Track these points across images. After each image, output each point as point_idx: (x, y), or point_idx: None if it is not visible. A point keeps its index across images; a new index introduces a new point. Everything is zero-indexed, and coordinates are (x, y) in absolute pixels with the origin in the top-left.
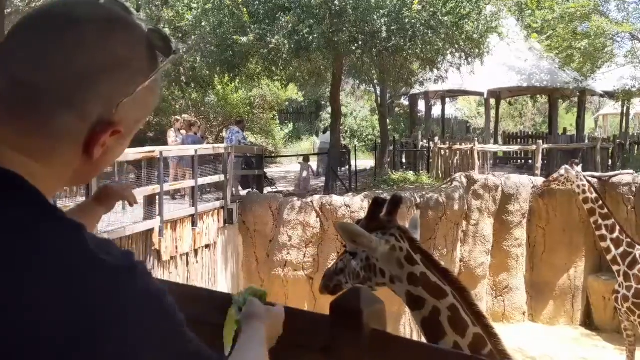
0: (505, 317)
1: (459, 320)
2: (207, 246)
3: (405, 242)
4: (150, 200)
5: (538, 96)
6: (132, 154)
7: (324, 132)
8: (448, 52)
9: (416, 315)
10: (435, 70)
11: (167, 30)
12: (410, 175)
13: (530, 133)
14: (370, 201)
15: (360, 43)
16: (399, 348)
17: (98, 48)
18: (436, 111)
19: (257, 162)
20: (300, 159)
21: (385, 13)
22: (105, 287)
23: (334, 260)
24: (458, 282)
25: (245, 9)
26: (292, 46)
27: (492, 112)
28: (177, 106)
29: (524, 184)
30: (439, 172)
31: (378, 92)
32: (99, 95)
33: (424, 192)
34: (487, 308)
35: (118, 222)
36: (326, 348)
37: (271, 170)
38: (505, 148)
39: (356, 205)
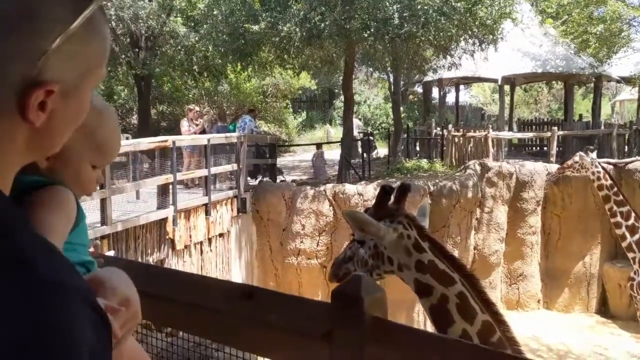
0: (520, 304)
1: (468, 307)
2: (220, 235)
3: (413, 229)
4: (163, 190)
5: (553, 82)
6: (145, 143)
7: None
8: (461, 38)
9: (424, 302)
10: (449, 57)
11: (179, 20)
12: (424, 163)
13: (545, 120)
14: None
15: (372, 30)
16: (400, 335)
17: None
18: (450, 98)
19: (269, 151)
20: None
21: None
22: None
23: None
24: (466, 269)
25: None
26: (304, 34)
27: (507, 99)
28: (190, 95)
29: (538, 171)
30: (453, 159)
31: (391, 80)
32: (9, 53)
33: (437, 180)
34: (501, 296)
35: (132, 212)
36: (328, 335)
37: (284, 159)
38: (520, 135)
39: (369, 193)
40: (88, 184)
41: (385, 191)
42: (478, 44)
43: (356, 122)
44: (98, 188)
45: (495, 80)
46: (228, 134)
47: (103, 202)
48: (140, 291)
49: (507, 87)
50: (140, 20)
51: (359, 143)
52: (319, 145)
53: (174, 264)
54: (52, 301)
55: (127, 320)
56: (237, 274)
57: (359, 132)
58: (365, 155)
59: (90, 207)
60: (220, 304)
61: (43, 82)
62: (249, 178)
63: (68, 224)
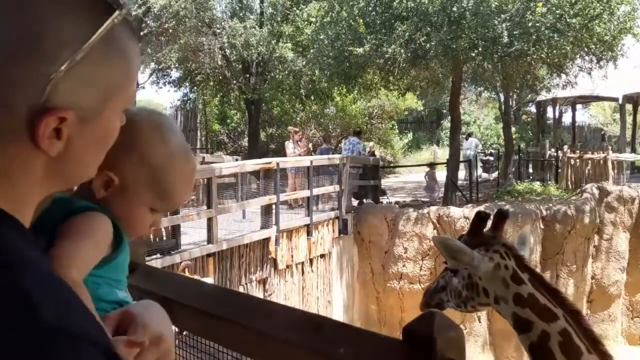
0: None
1: (572, 346)
2: (322, 256)
3: (512, 259)
4: (267, 210)
5: None
6: (250, 165)
7: (467, 139)
8: (577, 55)
9: (524, 339)
10: (564, 75)
11: (288, 45)
12: (537, 186)
13: None
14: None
15: (480, 49)
16: None
17: None
18: (567, 119)
19: (372, 173)
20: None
21: (507, 17)
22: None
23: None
24: (571, 304)
25: (361, 20)
26: (409, 55)
27: (629, 119)
28: (298, 118)
29: None
30: (569, 183)
31: (502, 99)
32: (12, 80)
33: (550, 204)
34: (622, 329)
35: (237, 231)
36: None
37: (389, 181)
38: None
39: None
40: (140, 228)
41: (480, 217)
42: (596, 61)
43: (475, 141)
44: (205, 207)
45: (615, 99)
46: (331, 156)
47: (210, 221)
48: (208, 313)
49: (629, 106)
50: (252, 47)
51: (479, 163)
52: (431, 165)
53: (275, 283)
54: (54, 351)
55: (157, 359)
56: (338, 296)
57: (478, 152)
58: (482, 175)
59: (197, 226)
60: (288, 333)
61: (52, 109)
62: (353, 199)
63: (96, 253)
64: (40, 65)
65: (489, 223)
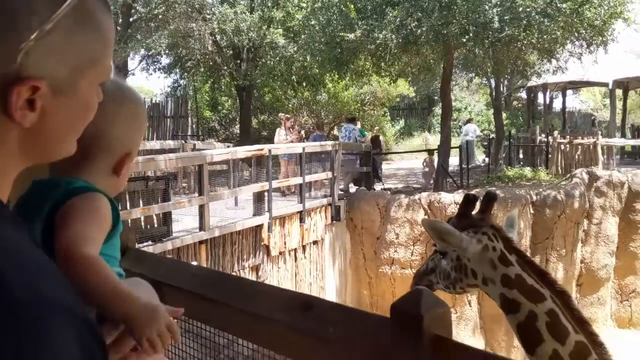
0: (632, 323)
1: (559, 326)
2: (314, 242)
3: (499, 241)
4: (259, 197)
5: None
6: (242, 152)
7: (465, 124)
8: (567, 40)
9: (511, 319)
10: (554, 61)
11: (279, 31)
12: (527, 171)
13: None
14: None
15: (471, 35)
16: (463, 357)
17: None
18: (557, 104)
19: (364, 160)
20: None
21: (498, 2)
22: None
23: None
24: (558, 285)
25: (352, 6)
26: (400, 40)
27: (619, 104)
28: (290, 105)
29: None
30: (559, 168)
31: (492, 85)
32: None
33: (540, 189)
34: (611, 313)
35: (230, 218)
36: (386, 354)
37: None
38: (633, 142)
39: None
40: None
41: (468, 200)
42: (586, 46)
43: (474, 126)
44: (196, 194)
45: (605, 84)
46: (323, 142)
47: (201, 208)
48: (199, 296)
49: (619, 92)
50: (242, 33)
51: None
52: (430, 152)
53: (268, 269)
54: (29, 322)
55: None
56: (330, 282)
57: (476, 137)
58: (486, 160)
59: (189, 213)
60: (279, 314)
61: (24, 79)
62: (353, 186)
63: (103, 231)
64: (10, 35)
65: (478, 206)
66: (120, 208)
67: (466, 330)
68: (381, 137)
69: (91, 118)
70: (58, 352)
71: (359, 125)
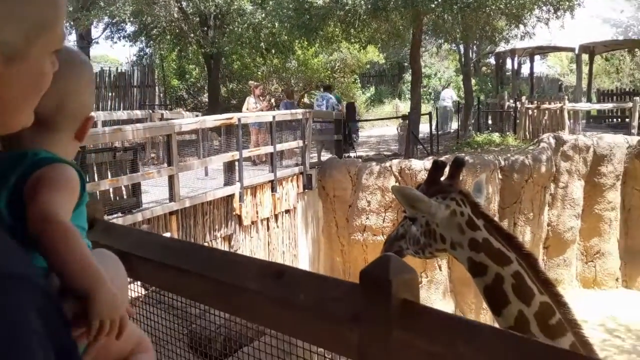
0: (597, 283)
1: (524, 288)
2: (287, 211)
3: (467, 206)
4: (230, 167)
5: (636, 50)
6: (210, 121)
7: (443, 89)
8: (535, 5)
9: (478, 282)
10: (522, 26)
11: None
12: (496, 137)
13: (627, 90)
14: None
15: (440, 0)
16: (428, 319)
17: None
18: (525, 70)
19: (335, 128)
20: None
21: None
22: None
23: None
24: (524, 248)
25: None
26: (369, 7)
27: (586, 69)
28: (259, 73)
29: (618, 144)
30: (527, 133)
31: (462, 52)
32: None
33: (509, 155)
34: (577, 273)
35: (200, 188)
36: (356, 317)
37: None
38: (598, 106)
39: None
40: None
41: (437, 166)
42: (553, 11)
43: (451, 92)
44: (165, 165)
45: (572, 49)
46: (294, 110)
47: (171, 179)
48: (174, 267)
49: (585, 56)
50: None
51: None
52: (404, 117)
53: (241, 239)
54: None
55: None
56: (303, 250)
57: (453, 102)
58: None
59: (158, 184)
60: (250, 282)
61: None
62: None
63: (72, 200)
64: None
65: (447, 172)
66: (87, 180)
67: (437, 293)
68: (356, 104)
69: (46, 87)
70: (12, 320)
71: (335, 93)
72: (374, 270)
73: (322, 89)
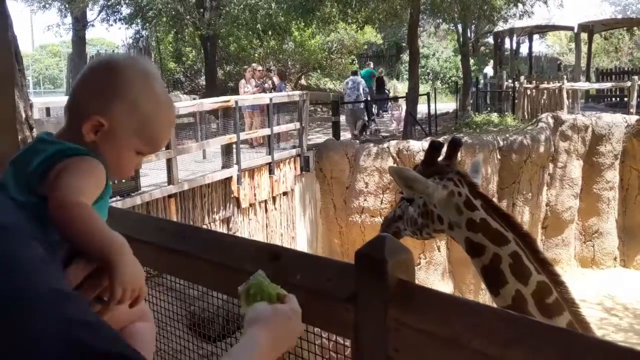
0: (595, 262)
1: (522, 267)
2: (285, 193)
3: (465, 186)
4: (228, 150)
5: (635, 28)
6: (208, 104)
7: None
8: None
9: (476, 263)
10: (520, 5)
11: None
12: (494, 117)
13: (626, 69)
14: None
15: None
16: (423, 298)
17: None
18: (524, 49)
19: (333, 109)
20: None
21: None
22: None
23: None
24: (521, 228)
25: None
26: None
27: (585, 48)
28: (256, 55)
29: (616, 123)
30: (525, 113)
31: (460, 31)
32: None
33: (507, 135)
34: (575, 253)
35: (198, 171)
36: (352, 297)
37: None
38: (597, 85)
39: None
40: (126, 170)
41: (434, 146)
42: None
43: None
44: (164, 148)
45: (571, 28)
46: (291, 92)
47: (169, 162)
48: (171, 249)
49: (584, 35)
50: None
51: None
52: (395, 99)
53: (239, 221)
54: None
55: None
56: (301, 232)
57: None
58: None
59: (157, 167)
60: (247, 264)
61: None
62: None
63: (96, 191)
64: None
65: (444, 152)
66: None
67: (435, 275)
68: (384, 77)
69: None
70: (14, 250)
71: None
72: (369, 250)
73: (351, 74)
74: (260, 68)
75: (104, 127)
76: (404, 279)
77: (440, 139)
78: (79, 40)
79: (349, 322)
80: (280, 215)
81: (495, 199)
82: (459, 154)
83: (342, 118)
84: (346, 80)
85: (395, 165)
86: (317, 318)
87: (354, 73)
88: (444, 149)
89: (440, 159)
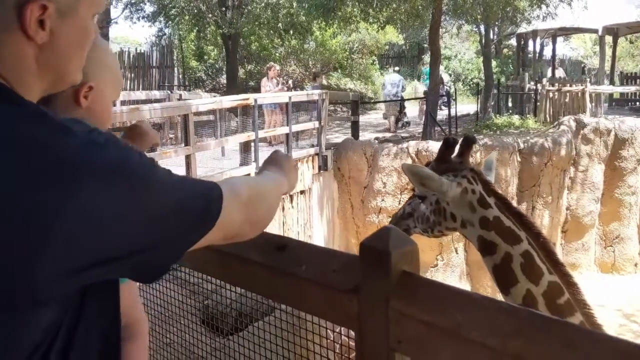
0: (615, 268)
1: (533, 267)
2: (302, 192)
3: (478, 184)
4: (246, 147)
5: None
6: (227, 101)
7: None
8: None
9: (488, 261)
10: (544, 7)
11: None
12: (516, 119)
13: None
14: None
15: None
16: (428, 291)
17: None
18: (548, 52)
19: (352, 109)
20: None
21: None
22: (77, 156)
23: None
24: (534, 227)
25: None
26: None
27: (609, 51)
28: (277, 54)
29: None
30: (547, 116)
31: (482, 33)
32: None
33: (528, 137)
34: (595, 258)
35: (217, 168)
36: (356, 288)
37: (369, 117)
38: (621, 89)
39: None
40: (110, 118)
41: (448, 144)
42: None
43: (446, 77)
44: (183, 145)
45: (595, 31)
46: (310, 91)
47: (188, 159)
48: None
49: (609, 38)
50: None
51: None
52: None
53: None
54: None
55: None
56: (318, 231)
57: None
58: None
59: (175, 164)
60: (253, 254)
61: None
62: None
63: None
64: None
65: (457, 150)
66: None
67: (452, 277)
68: (444, 76)
69: (90, 43)
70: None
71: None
72: (373, 242)
73: (391, 71)
74: (278, 67)
75: (93, 89)
76: (408, 271)
77: (460, 141)
78: (103, 38)
79: (352, 313)
80: (297, 213)
81: (514, 202)
82: (477, 155)
83: (362, 118)
84: (389, 76)
85: (408, 163)
86: (321, 308)
87: (397, 71)
88: (457, 147)
89: (453, 156)
